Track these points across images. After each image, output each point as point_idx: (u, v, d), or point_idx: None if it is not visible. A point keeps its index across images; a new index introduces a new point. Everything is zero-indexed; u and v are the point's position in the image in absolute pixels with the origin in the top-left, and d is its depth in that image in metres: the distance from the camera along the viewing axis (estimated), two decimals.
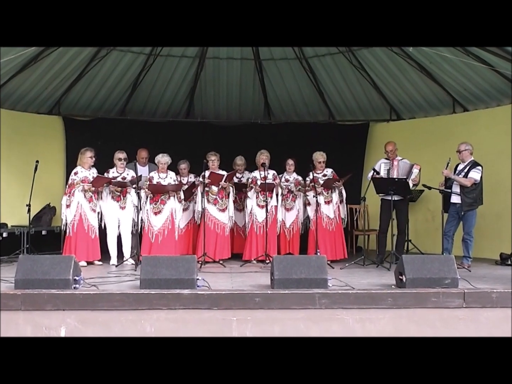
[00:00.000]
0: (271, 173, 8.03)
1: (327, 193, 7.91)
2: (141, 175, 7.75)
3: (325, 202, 7.86)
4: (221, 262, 7.56)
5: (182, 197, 7.75)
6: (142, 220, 7.62)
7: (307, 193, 8.01)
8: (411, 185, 7.57)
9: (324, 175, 7.99)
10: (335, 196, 7.95)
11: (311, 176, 7.89)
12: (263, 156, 7.98)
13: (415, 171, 7.55)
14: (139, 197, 7.33)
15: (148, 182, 7.64)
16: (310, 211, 7.97)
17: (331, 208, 7.91)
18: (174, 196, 7.64)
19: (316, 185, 7.63)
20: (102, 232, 7.65)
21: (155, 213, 7.59)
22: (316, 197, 7.50)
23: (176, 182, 7.79)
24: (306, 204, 8.09)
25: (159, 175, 7.71)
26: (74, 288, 5.05)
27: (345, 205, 8.10)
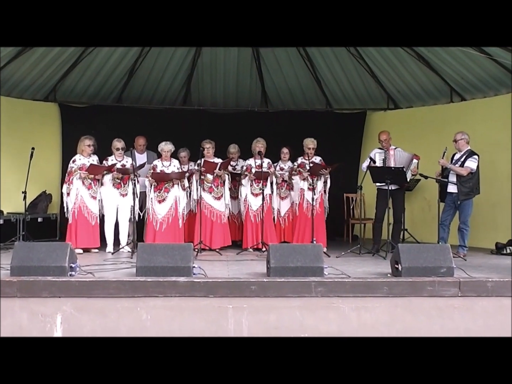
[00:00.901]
0: (266, 161, 7.98)
1: (312, 180, 7.84)
2: (145, 163, 7.74)
3: (308, 188, 7.82)
4: (217, 250, 7.56)
5: (186, 184, 7.73)
6: (141, 207, 7.63)
7: (292, 177, 8.01)
8: (409, 176, 7.58)
9: (312, 162, 7.93)
10: (319, 184, 7.90)
11: (298, 161, 7.89)
12: (259, 144, 7.93)
13: (415, 161, 7.55)
14: (135, 185, 7.32)
15: (151, 171, 7.62)
16: (294, 195, 7.98)
17: (312, 194, 7.83)
18: (178, 184, 7.62)
19: (302, 170, 7.62)
20: (101, 219, 7.64)
21: (159, 201, 7.57)
22: (312, 184, 7.48)
23: (180, 170, 7.76)
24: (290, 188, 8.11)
25: (162, 163, 7.69)
26: (70, 275, 5.06)
27: (327, 195, 8.04)
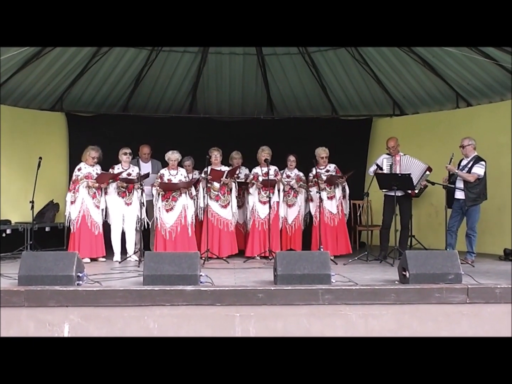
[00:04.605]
0: (272, 169, 7.97)
1: (330, 189, 7.91)
2: (148, 173, 7.74)
3: (328, 197, 7.87)
4: (224, 258, 7.55)
5: (194, 193, 7.71)
6: (148, 216, 7.63)
7: (310, 189, 8.01)
8: (418, 187, 7.58)
9: (327, 171, 7.98)
10: (338, 192, 7.95)
11: (314, 172, 7.88)
12: (264, 153, 7.94)
13: (428, 173, 7.55)
14: (142, 194, 7.32)
15: (159, 180, 7.61)
16: (312, 207, 7.97)
17: (333, 203, 7.91)
18: (185, 192, 7.58)
19: (318, 181, 7.63)
20: (108, 228, 7.64)
21: (167, 210, 7.51)
22: (319, 193, 7.51)
23: (187, 179, 7.76)
24: (308, 199, 8.09)
25: (169, 172, 7.66)
26: (77, 284, 5.07)
27: (348, 200, 8.10)
